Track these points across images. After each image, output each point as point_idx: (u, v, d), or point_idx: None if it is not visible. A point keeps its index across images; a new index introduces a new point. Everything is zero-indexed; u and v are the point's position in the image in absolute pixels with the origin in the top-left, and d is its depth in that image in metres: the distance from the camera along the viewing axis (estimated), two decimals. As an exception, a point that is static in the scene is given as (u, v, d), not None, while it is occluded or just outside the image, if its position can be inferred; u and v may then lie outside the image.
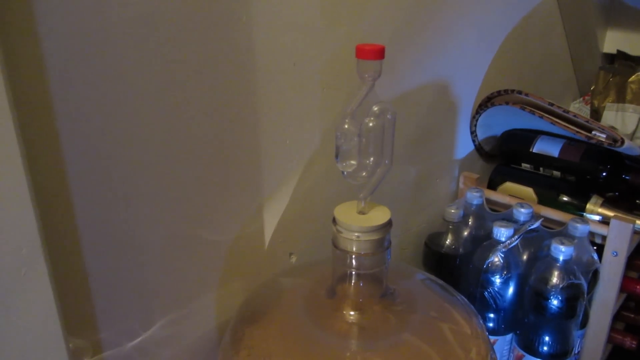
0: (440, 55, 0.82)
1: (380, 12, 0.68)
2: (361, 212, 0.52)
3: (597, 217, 0.85)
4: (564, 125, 0.84)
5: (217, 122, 0.54)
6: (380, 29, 0.70)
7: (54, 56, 0.40)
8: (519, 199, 0.90)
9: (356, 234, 0.50)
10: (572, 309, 0.75)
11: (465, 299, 0.59)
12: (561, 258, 0.74)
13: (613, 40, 1.37)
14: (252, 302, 0.58)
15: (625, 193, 0.87)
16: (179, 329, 0.57)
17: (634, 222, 0.78)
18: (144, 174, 0.49)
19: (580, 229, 0.78)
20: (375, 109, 0.49)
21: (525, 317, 0.79)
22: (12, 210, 0.37)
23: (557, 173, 0.92)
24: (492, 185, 0.97)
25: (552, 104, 0.85)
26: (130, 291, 0.51)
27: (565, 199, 0.89)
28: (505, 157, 1.00)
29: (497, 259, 0.77)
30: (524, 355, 0.79)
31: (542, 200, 0.90)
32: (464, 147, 0.97)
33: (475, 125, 0.96)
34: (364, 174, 0.51)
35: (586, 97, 1.26)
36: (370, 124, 0.49)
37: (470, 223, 0.86)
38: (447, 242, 0.85)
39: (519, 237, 0.78)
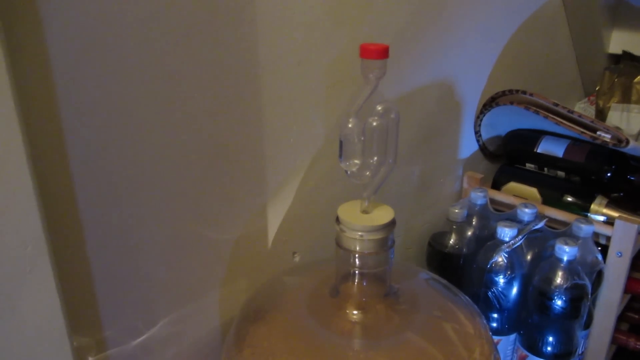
0: (445, 55, 0.82)
1: (384, 12, 0.68)
2: (365, 212, 0.52)
3: (601, 218, 0.84)
4: (569, 126, 0.84)
5: (221, 120, 0.54)
6: (384, 29, 0.70)
7: (59, 55, 0.40)
8: (523, 199, 0.90)
9: (360, 233, 0.50)
10: (576, 309, 0.75)
11: (469, 299, 0.59)
12: (565, 258, 0.74)
13: (618, 41, 1.37)
14: (256, 300, 0.58)
15: (630, 194, 0.87)
16: (182, 327, 0.57)
17: (639, 223, 0.77)
18: (148, 173, 0.49)
19: (584, 229, 0.78)
20: (379, 108, 0.49)
21: (529, 318, 0.79)
22: (17, 209, 0.37)
23: (561, 173, 0.92)
24: (496, 185, 0.97)
25: (556, 104, 0.85)
26: (134, 290, 0.52)
27: (569, 199, 0.88)
28: (509, 157, 1.00)
29: (501, 259, 0.77)
30: (528, 356, 0.79)
31: (547, 201, 0.90)
32: (468, 146, 0.97)
33: (480, 125, 0.96)
34: (367, 173, 0.51)
35: (591, 98, 1.26)
36: (374, 124, 0.49)
37: (474, 223, 0.85)
38: (450, 242, 0.85)
39: (523, 237, 0.77)
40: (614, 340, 0.89)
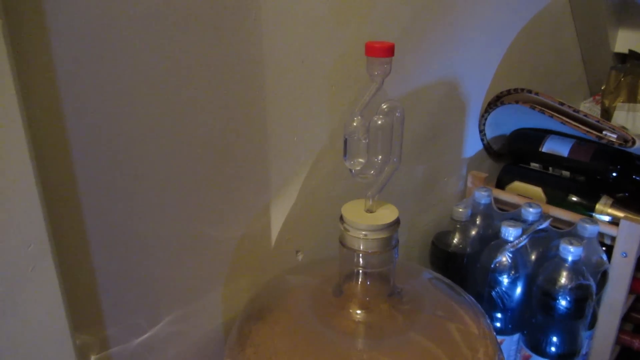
0: (450, 54, 0.82)
1: (389, 10, 0.68)
2: (369, 210, 0.52)
3: (606, 218, 0.84)
4: (574, 125, 0.84)
5: (224, 119, 0.53)
6: (389, 27, 0.69)
7: (62, 52, 0.40)
8: (528, 198, 0.90)
9: (364, 232, 0.50)
10: (580, 309, 0.75)
11: (473, 299, 0.58)
12: (570, 258, 0.73)
13: (625, 40, 1.36)
14: (259, 299, 0.58)
15: (635, 194, 0.87)
16: (185, 326, 0.57)
17: (644, 223, 0.77)
18: (152, 172, 0.49)
19: (589, 229, 0.78)
20: (384, 106, 0.49)
21: (532, 318, 0.78)
22: (20, 207, 0.37)
23: (566, 173, 0.92)
24: (501, 184, 0.96)
25: (562, 104, 0.84)
26: (137, 288, 0.51)
27: (574, 199, 0.88)
28: (514, 157, 1.00)
29: (505, 258, 0.76)
30: (532, 356, 0.79)
31: (551, 200, 0.90)
32: (472, 146, 0.96)
33: (484, 124, 0.95)
34: (372, 172, 0.51)
35: (597, 97, 1.25)
36: (379, 122, 0.48)
37: (478, 222, 0.85)
38: (454, 241, 0.85)
39: (527, 237, 0.77)
40: (618, 341, 0.89)
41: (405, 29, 0.72)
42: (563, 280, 0.74)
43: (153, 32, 0.45)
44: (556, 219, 0.85)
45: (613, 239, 0.80)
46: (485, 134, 0.97)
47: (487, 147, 0.99)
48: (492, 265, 0.77)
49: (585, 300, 0.74)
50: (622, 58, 1.35)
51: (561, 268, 0.74)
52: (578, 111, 0.84)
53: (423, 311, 0.55)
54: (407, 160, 0.81)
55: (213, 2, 0.49)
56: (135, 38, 0.44)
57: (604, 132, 0.82)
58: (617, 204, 0.85)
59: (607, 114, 1.17)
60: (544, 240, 0.80)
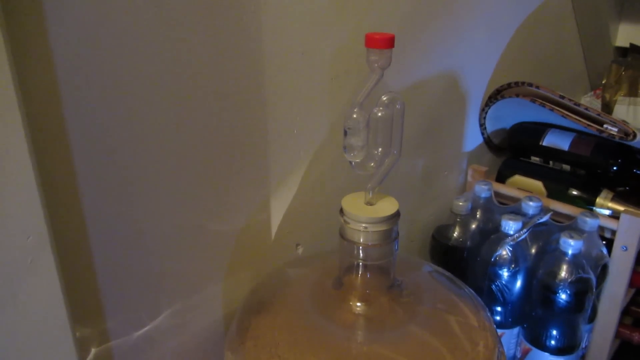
0: (451, 46, 0.82)
1: (390, 1, 0.68)
2: (369, 203, 0.51)
3: (607, 212, 0.84)
4: (575, 119, 0.83)
5: (224, 112, 0.53)
6: (390, 18, 0.69)
7: (62, 47, 0.40)
8: (528, 192, 0.90)
9: (364, 225, 0.49)
10: (580, 303, 0.75)
11: (473, 292, 0.58)
12: (570, 252, 0.73)
13: (626, 34, 1.36)
14: (259, 292, 0.58)
15: (635, 187, 0.86)
16: (185, 319, 0.57)
17: (645, 217, 0.77)
18: (151, 164, 0.49)
19: (589, 223, 0.78)
20: (384, 98, 0.48)
21: (532, 311, 0.78)
22: (18, 198, 0.37)
23: (567, 167, 0.92)
24: (501, 178, 0.96)
25: (563, 97, 0.84)
26: (137, 281, 0.51)
27: (574, 192, 0.88)
28: (514, 150, 1.00)
29: (505, 252, 0.76)
30: (531, 349, 0.79)
31: (552, 194, 0.90)
32: (473, 139, 0.96)
33: (485, 118, 0.95)
34: (372, 164, 0.50)
35: (597, 91, 1.25)
36: (379, 114, 0.48)
37: (478, 216, 0.85)
38: (454, 235, 0.85)
39: (527, 231, 0.77)
40: (618, 335, 0.89)
41: (406, 21, 0.71)
42: (563, 273, 0.74)
43: (151, 25, 0.45)
44: (556, 213, 0.84)
45: (613, 232, 0.80)
46: (485, 128, 0.97)
47: (488, 141, 0.99)
48: (493, 259, 0.77)
49: (585, 294, 0.74)
50: (623, 52, 1.35)
51: (561, 262, 0.74)
52: (579, 104, 0.84)
53: (423, 304, 0.55)
54: (407, 153, 0.81)
55: (212, -6, 0.48)
56: (133, 32, 0.44)
57: (605, 126, 0.82)
58: (618, 197, 0.84)
59: (607, 107, 1.17)
60: (544, 234, 0.80)
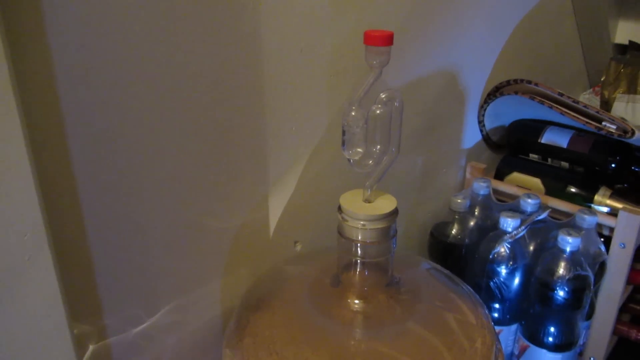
0: (449, 43, 0.82)
1: (388, -1, 0.68)
2: (367, 201, 0.51)
3: (605, 209, 0.84)
4: (574, 116, 0.83)
5: (222, 109, 0.53)
6: (388, 16, 0.69)
7: (60, 46, 0.40)
8: (526, 189, 0.90)
9: (362, 222, 0.49)
10: (578, 300, 0.75)
11: (471, 289, 0.58)
12: (568, 249, 0.73)
13: (625, 31, 1.35)
14: (257, 289, 0.58)
15: (634, 185, 0.87)
16: (183, 315, 0.57)
17: (643, 214, 0.77)
18: (149, 161, 0.49)
19: (587, 220, 0.78)
20: (383, 96, 0.48)
21: (530, 308, 0.78)
22: (15, 196, 0.37)
23: (565, 164, 0.92)
24: (500, 175, 0.96)
25: (562, 94, 0.84)
26: (135, 277, 0.51)
27: (573, 190, 0.88)
28: (513, 148, 1.00)
29: (503, 249, 0.76)
30: (529, 346, 0.79)
31: (550, 191, 0.90)
32: (471, 136, 0.96)
33: (483, 115, 0.95)
34: (370, 162, 0.50)
35: (596, 88, 1.25)
36: (378, 112, 0.48)
37: (476, 213, 0.85)
38: (453, 232, 0.85)
39: (525, 228, 0.77)
40: (615, 331, 0.89)
41: (405, 18, 0.71)
42: (561, 270, 0.74)
43: (149, 23, 0.45)
44: (555, 210, 0.85)
45: (611, 229, 0.80)
46: (484, 125, 0.97)
47: (486, 138, 0.99)
48: (491, 256, 0.77)
49: (583, 291, 0.74)
50: (622, 49, 1.35)
51: (559, 259, 0.74)
52: (577, 102, 0.84)
53: (421, 301, 0.55)
54: (405, 150, 0.81)
55: (211, -10, 0.48)
56: (132, 29, 0.44)
57: (604, 123, 0.82)
58: (616, 195, 0.84)
59: (606, 105, 1.17)
60: (543, 231, 0.81)
